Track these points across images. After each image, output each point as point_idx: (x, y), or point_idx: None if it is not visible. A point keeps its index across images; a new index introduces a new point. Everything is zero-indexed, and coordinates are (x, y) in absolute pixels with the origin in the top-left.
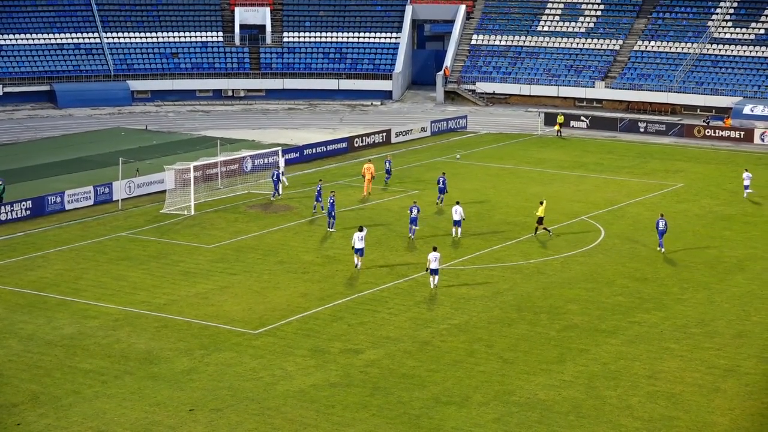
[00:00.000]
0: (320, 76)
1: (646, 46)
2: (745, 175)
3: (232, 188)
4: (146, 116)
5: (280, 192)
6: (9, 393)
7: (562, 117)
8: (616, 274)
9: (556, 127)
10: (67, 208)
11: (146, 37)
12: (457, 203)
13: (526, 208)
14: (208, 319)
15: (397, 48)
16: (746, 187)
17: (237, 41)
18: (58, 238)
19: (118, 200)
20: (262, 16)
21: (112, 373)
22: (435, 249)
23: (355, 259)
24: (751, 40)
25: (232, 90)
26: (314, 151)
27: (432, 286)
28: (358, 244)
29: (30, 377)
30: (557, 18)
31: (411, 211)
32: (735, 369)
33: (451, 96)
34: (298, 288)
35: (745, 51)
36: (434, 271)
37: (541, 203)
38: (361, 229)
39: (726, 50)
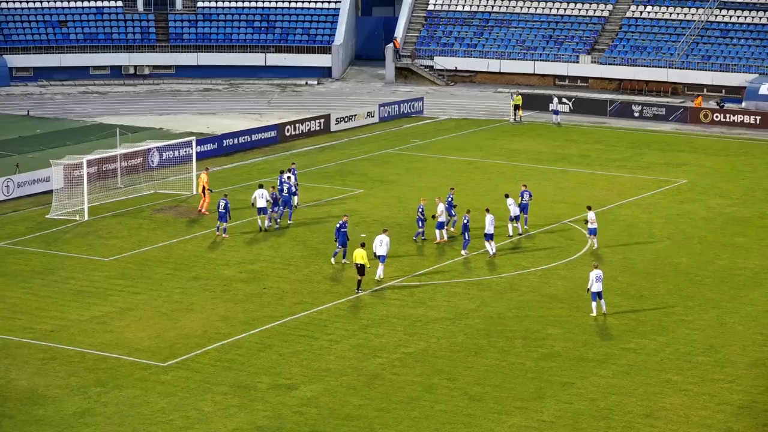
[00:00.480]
0: (243, 49)
1: (641, 12)
2: None
3: (134, 188)
4: (28, 99)
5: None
6: None
7: (520, 97)
8: (606, 291)
9: (512, 110)
10: None
11: (27, 2)
12: (384, 231)
13: (497, 211)
14: (106, 348)
15: (338, 15)
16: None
17: (140, 7)
18: None
19: None
20: None
21: None
22: (385, 231)
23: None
24: None
25: (135, 67)
26: (236, 141)
27: (377, 277)
28: (380, 250)
29: None
30: None
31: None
32: (750, 405)
33: (404, 73)
34: (216, 310)
35: (761, 18)
36: (381, 258)
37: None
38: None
39: (738, 17)
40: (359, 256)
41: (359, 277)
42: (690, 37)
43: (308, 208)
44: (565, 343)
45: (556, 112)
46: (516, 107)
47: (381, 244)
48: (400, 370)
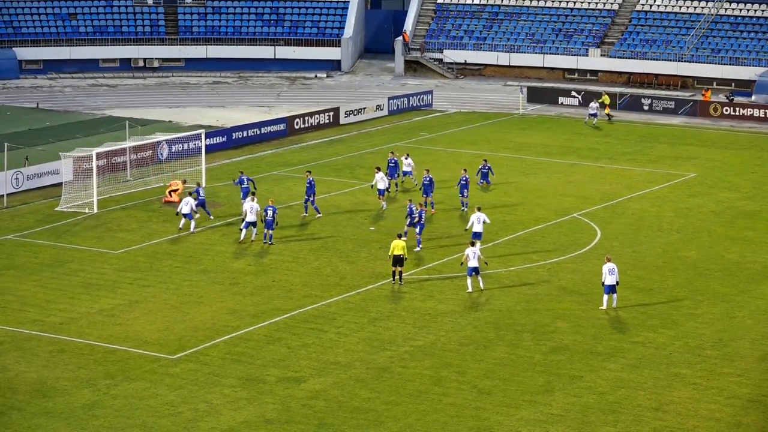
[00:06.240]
0: (252, 42)
1: (651, 6)
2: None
3: (144, 180)
4: (37, 92)
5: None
6: None
7: (607, 97)
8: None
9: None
10: None
11: None
12: (478, 209)
13: (505, 205)
14: (115, 341)
15: (347, 7)
16: (593, 116)
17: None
18: None
19: (2, 195)
20: None
21: None
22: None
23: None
24: None
25: (144, 59)
26: (245, 134)
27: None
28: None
29: None
30: None
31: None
32: (759, 399)
33: (414, 67)
34: (225, 303)
35: None
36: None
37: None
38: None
39: (748, 10)
40: (399, 246)
41: (399, 269)
42: (700, 30)
43: (319, 202)
44: (574, 336)
45: (594, 115)
46: (602, 105)
47: (474, 257)
48: (409, 363)
